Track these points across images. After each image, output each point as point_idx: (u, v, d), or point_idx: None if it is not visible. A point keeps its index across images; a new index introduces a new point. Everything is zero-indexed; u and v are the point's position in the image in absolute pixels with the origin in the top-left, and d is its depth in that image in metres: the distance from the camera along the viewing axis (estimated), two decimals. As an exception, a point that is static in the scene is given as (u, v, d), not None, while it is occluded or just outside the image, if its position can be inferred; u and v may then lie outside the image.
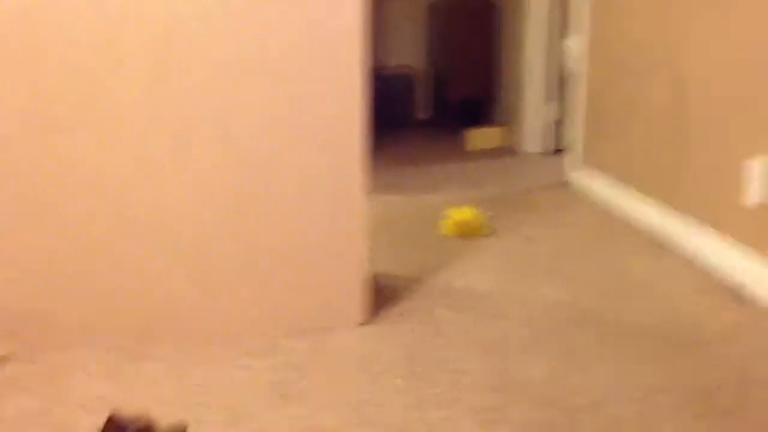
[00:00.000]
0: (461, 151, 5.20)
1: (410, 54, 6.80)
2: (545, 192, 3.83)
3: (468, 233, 2.97)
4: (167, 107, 2.01)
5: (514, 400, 1.72)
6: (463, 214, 2.99)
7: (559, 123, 5.00)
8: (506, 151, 5.19)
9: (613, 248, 2.81)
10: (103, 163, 2.02)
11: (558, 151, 5.02)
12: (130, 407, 1.76)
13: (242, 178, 2.07)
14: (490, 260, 2.70)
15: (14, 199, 2.02)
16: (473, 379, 1.82)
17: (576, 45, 4.02)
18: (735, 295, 2.29)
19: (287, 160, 2.07)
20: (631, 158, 3.27)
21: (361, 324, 2.18)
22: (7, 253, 2.04)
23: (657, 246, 2.82)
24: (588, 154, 3.85)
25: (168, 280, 2.10)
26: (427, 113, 6.85)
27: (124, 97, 1.99)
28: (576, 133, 4.02)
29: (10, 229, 2.03)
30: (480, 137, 5.33)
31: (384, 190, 3.99)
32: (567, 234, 3.01)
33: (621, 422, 1.60)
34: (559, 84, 4.94)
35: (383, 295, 2.40)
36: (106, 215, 2.05)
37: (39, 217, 2.04)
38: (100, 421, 1.70)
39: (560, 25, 4.90)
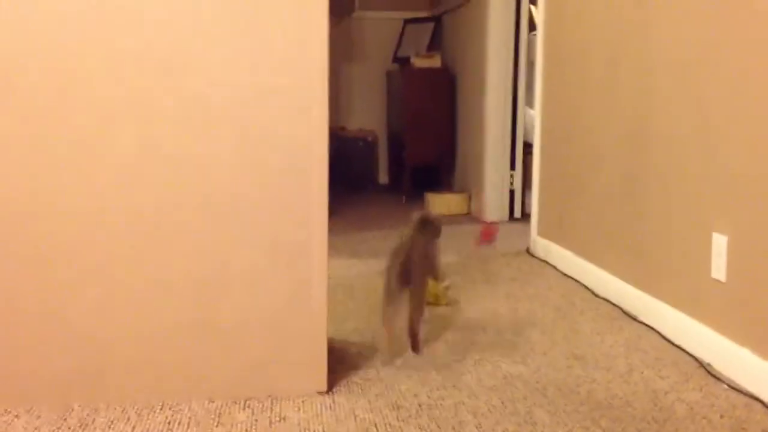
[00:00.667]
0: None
1: (371, 118, 6.86)
2: (506, 260, 3.83)
3: (433, 302, 2.92)
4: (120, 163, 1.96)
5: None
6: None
7: (523, 191, 5.06)
8: (467, 218, 5.21)
9: (572, 320, 2.79)
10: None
11: (521, 217, 5.05)
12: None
13: (201, 235, 2.01)
14: (450, 332, 2.66)
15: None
16: (430, 454, 1.76)
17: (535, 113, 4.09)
18: (700, 369, 2.27)
19: (245, 220, 2.02)
20: (586, 231, 3.30)
21: (317, 393, 2.10)
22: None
23: (618, 318, 2.81)
24: (546, 224, 3.88)
25: (108, 336, 2.01)
26: (387, 178, 6.88)
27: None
28: (534, 203, 4.05)
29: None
30: (439, 203, 5.35)
31: (343, 255, 3.94)
32: (526, 306, 2.99)
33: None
34: (525, 152, 5.02)
35: (341, 363, 2.33)
36: (58, 273, 1.97)
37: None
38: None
39: (526, 93, 5.00)
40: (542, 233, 3.92)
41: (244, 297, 2.04)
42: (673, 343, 2.50)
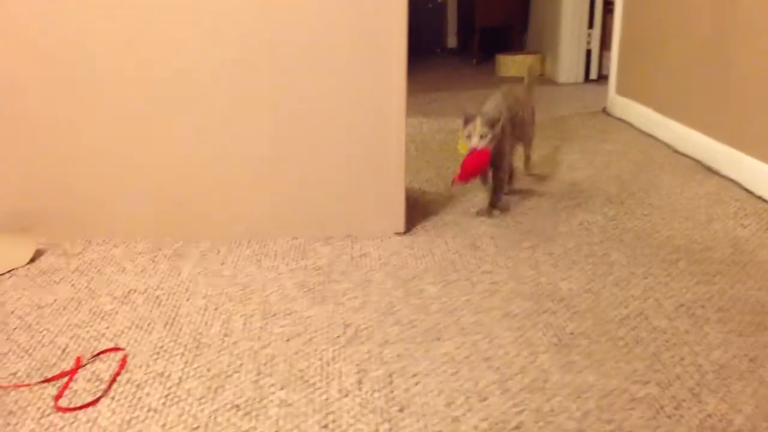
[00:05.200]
0: (490, 79, 5.09)
1: (444, -21, 6.60)
2: (582, 120, 3.75)
3: None
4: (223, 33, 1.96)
5: (549, 309, 1.70)
6: None
7: (597, 51, 4.87)
8: (540, 80, 5.08)
9: (654, 173, 2.75)
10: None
11: (597, 79, 4.90)
12: (169, 303, 1.77)
13: (288, 92, 2.02)
14: (525, 183, 2.66)
15: (72, 101, 2.00)
16: (508, 289, 1.81)
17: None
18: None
19: (334, 77, 2.02)
20: (669, 87, 3.18)
21: (395, 234, 2.16)
22: (49, 150, 2.03)
23: (699, 172, 2.75)
24: (625, 83, 3.75)
25: (203, 183, 2.09)
26: (455, 41, 6.70)
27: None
28: (613, 61, 3.90)
29: (58, 127, 2.02)
30: (512, 64, 5.21)
31: (413, 114, 3.92)
32: (605, 161, 2.95)
33: (658, 333, 1.58)
34: (604, 10, 4.79)
35: (417, 210, 2.37)
36: (148, 120, 2.03)
37: (89, 118, 2.02)
38: (134, 312, 1.71)
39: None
40: (621, 92, 3.80)
41: (330, 142, 2.07)
42: (755, 195, 2.45)
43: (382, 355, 1.52)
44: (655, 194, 2.51)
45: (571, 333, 1.59)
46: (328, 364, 1.49)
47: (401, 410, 1.33)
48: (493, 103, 2.36)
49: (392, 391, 1.39)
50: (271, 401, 1.37)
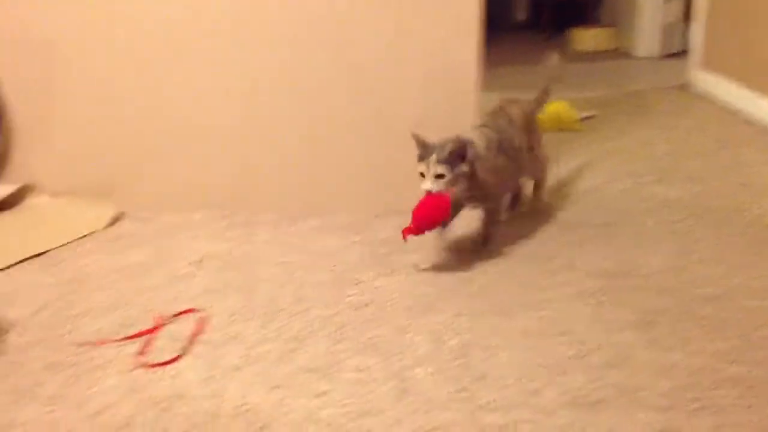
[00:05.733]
0: (562, 53, 4.96)
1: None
2: (660, 95, 3.62)
3: (556, 126, 2.84)
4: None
5: (631, 286, 1.65)
6: (548, 107, 2.88)
7: (678, 24, 4.69)
8: (616, 53, 4.93)
9: (736, 150, 2.63)
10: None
11: (675, 54, 4.72)
12: (243, 269, 1.79)
13: (359, 63, 2.00)
14: (598, 159, 2.58)
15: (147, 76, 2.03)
16: (586, 264, 1.76)
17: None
18: None
19: (405, 44, 1.99)
20: (759, 60, 3.03)
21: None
22: (128, 121, 2.06)
23: (784, 150, 2.63)
24: (710, 56, 3.60)
25: (274, 155, 2.09)
26: (524, 15, 6.55)
27: None
28: (697, 34, 3.75)
29: (134, 97, 2.05)
30: (586, 38, 5.07)
31: (482, 89, 3.85)
32: (684, 137, 2.84)
33: (745, 313, 1.51)
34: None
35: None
36: (222, 87, 2.04)
37: (168, 91, 2.04)
38: (209, 276, 1.73)
39: None
40: (704, 66, 3.65)
41: (400, 115, 2.04)
42: None
43: (456, 327, 1.50)
44: (740, 171, 2.40)
45: (654, 311, 1.53)
46: (401, 333, 1.48)
47: (478, 380, 1.31)
48: (476, 131, 1.83)
49: (468, 362, 1.37)
50: (346, 366, 1.37)
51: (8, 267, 1.77)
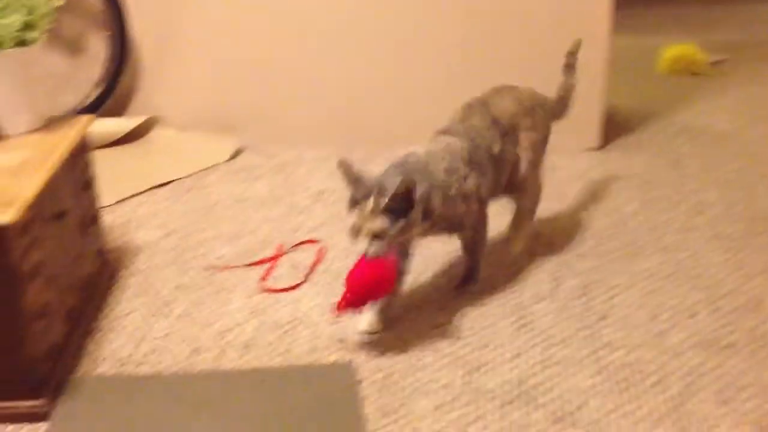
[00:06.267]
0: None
1: None
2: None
3: (683, 68, 2.69)
4: None
5: (760, 231, 1.56)
6: (677, 49, 2.72)
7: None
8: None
9: None
10: None
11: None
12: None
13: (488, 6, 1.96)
14: (729, 103, 2.43)
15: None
16: (713, 208, 1.67)
17: None
18: None
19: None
20: None
21: (588, 150, 2.05)
22: (251, 58, 2.10)
23: None
24: None
25: (391, 93, 2.08)
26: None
27: None
28: None
29: (257, 36, 2.08)
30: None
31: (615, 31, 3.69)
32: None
33: None
34: None
35: (616, 126, 2.24)
36: (341, 28, 2.04)
37: (286, 30, 2.07)
38: (327, 209, 1.75)
39: None
40: None
41: (526, 50, 1.99)
42: None
43: (576, 267, 1.46)
44: None
45: (791, 258, 1.45)
46: (519, 272, 1.46)
47: (601, 319, 1.28)
48: (435, 144, 1.35)
49: (589, 301, 1.34)
50: (464, 300, 1.36)
51: (138, 194, 1.85)
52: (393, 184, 1.17)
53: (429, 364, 1.20)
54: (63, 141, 1.27)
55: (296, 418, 1.10)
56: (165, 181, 1.91)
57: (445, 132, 1.37)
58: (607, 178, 1.87)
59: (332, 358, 1.23)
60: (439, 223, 1.26)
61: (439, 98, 2.05)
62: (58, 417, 1.12)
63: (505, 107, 1.42)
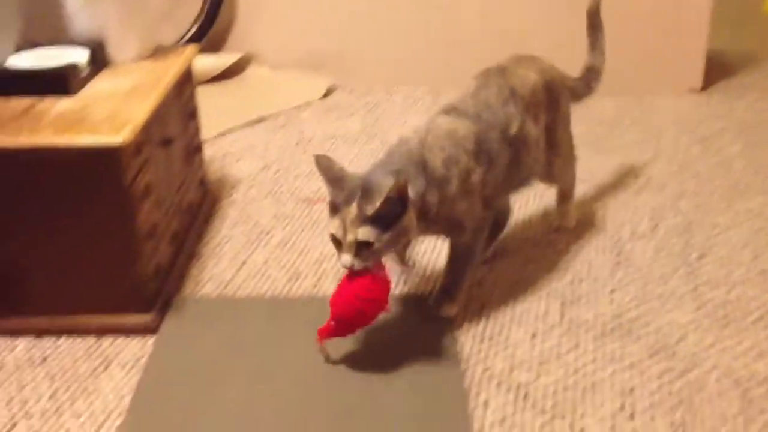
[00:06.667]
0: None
1: None
2: None
3: None
4: None
5: None
6: None
7: None
8: None
9: None
10: None
11: None
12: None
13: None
14: None
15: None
16: (826, 152, 1.60)
17: None
18: None
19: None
20: None
21: (690, 92, 1.98)
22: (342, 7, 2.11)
23: None
24: None
25: (481, 38, 2.05)
26: None
27: None
28: None
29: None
30: None
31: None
32: None
33: None
34: None
35: (718, 69, 2.15)
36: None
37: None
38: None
39: None
40: None
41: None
42: None
43: (678, 206, 1.43)
44: None
45: None
46: (618, 210, 1.43)
47: (701, 257, 1.25)
48: (434, 125, 1.13)
49: (690, 239, 1.31)
50: (557, 239, 1.35)
51: (235, 128, 1.90)
52: (381, 186, 0.98)
53: (524, 296, 1.20)
54: (170, 69, 1.31)
55: (392, 340, 1.13)
56: (261, 117, 1.95)
57: (449, 111, 1.15)
58: (709, 120, 1.80)
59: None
60: (434, 225, 1.08)
61: (536, 36, 2.02)
62: (165, 331, 1.18)
63: (526, 80, 1.20)
